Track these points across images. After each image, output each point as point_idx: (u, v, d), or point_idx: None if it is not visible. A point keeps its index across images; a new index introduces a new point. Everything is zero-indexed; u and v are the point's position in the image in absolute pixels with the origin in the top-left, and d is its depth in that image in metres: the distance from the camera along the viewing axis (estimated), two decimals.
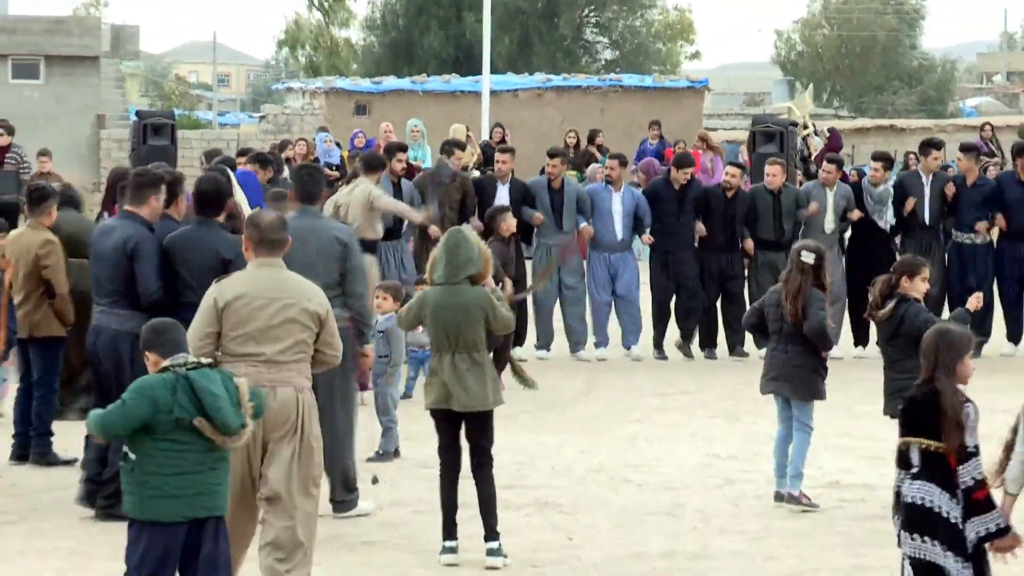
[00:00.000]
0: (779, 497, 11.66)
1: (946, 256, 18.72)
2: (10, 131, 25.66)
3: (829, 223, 18.36)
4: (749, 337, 18.38)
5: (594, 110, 37.22)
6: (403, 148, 19.19)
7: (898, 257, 18.23)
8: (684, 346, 18.55)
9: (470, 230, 10.51)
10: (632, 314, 18.38)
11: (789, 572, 9.90)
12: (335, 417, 10.98)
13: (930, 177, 18.66)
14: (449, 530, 9.95)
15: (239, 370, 8.45)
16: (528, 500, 11.58)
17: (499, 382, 10.21)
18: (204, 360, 7.67)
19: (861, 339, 18.74)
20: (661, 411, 15.42)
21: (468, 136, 27.48)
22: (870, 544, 10.59)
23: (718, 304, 18.59)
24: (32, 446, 12.73)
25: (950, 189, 18.48)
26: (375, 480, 11.41)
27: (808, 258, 11.51)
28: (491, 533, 9.89)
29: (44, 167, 24.49)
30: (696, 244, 18.36)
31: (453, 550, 9.91)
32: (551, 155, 18.54)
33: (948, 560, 7.40)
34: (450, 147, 18.43)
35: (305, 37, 67.89)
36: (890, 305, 11.15)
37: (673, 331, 18.68)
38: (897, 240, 18.76)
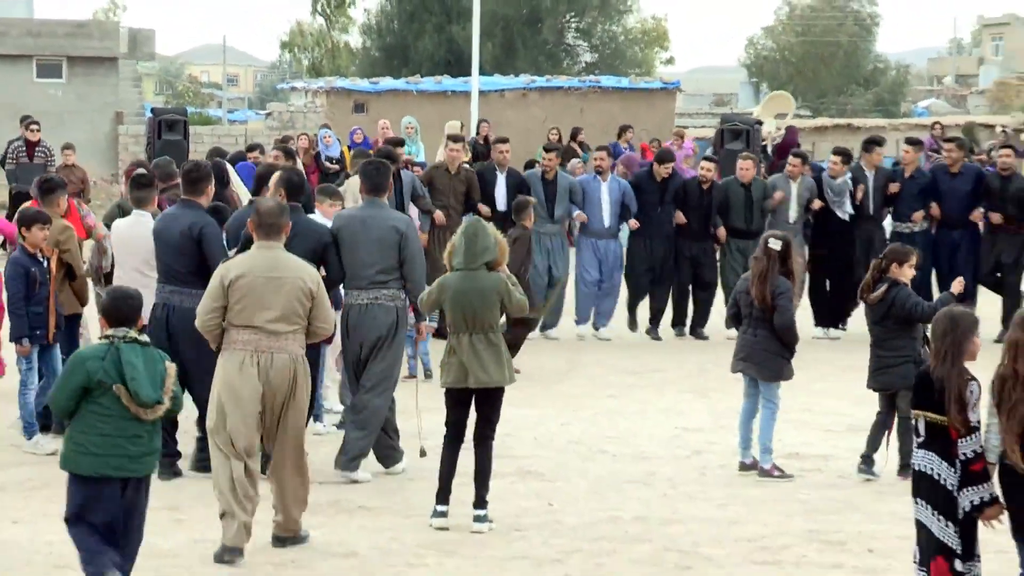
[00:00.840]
0: (743, 467, 11.70)
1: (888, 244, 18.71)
2: (39, 127, 25.53)
3: (793, 213, 18.39)
4: (711, 322, 18.56)
5: (574, 109, 37.15)
6: (400, 143, 19.35)
7: (858, 244, 18.37)
8: (652, 331, 18.62)
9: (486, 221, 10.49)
10: (610, 300, 18.41)
11: (752, 536, 9.91)
12: (376, 384, 11.19)
13: (873, 172, 18.70)
14: (443, 496, 9.94)
15: (242, 337, 9.08)
16: (512, 469, 11.58)
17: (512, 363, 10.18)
18: (141, 338, 8.07)
19: (821, 320, 18.81)
20: (635, 388, 15.44)
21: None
22: (827, 511, 10.63)
23: (690, 287, 18.64)
24: (55, 417, 12.70)
25: (894, 187, 18.49)
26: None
27: (775, 245, 11.54)
28: (480, 502, 9.88)
29: (68, 160, 24.38)
30: (676, 231, 18.38)
31: (444, 515, 9.90)
32: (547, 150, 18.65)
33: (940, 523, 7.53)
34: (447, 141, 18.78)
35: (308, 41, 67.92)
36: (882, 289, 11.28)
37: (644, 312, 18.77)
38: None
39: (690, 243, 18.39)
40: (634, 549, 9.57)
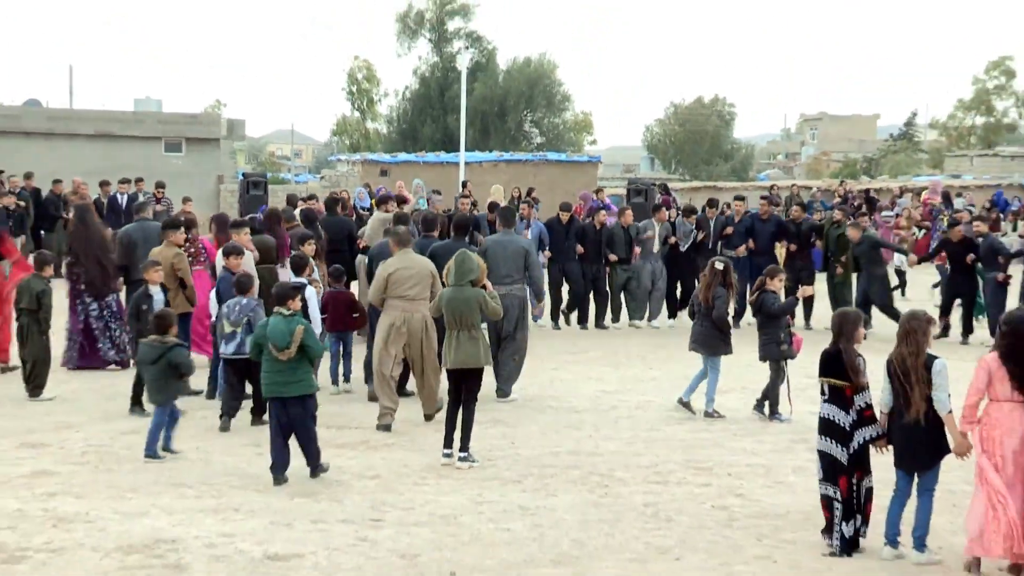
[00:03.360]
0: (680, 402, 11.93)
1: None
2: (164, 186, 26.17)
3: (657, 246, 18.71)
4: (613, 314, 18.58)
5: (529, 175, 36.98)
6: (404, 200, 19.24)
7: (699, 265, 18.46)
8: (565, 316, 18.63)
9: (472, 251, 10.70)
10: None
11: (648, 464, 9.88)
12: (516, 339, 12.38)
13: (713, 219, 19.22)
14: (448, 441, 9.82)
15: (394, 303, 10.88)
16: (487, 418, 11.46)
17: (491, 348, 10.36)
18: (286, 312, 9.11)
19: (672, 314, 19.02)
20: (570, 363, 15.38)
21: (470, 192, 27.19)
22: (699, 447, 10.60)
23: (591, 296, 18.64)
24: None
25: (729, 229, 18.98)
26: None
27: (719, 265, 11.82)
28: (465, 446, 9.76)
29: (187, 208, 24.27)
30: (577, 258, 18.41)
31: (449, 455, 9.77)
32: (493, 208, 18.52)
33: (838, 451, 7.60)
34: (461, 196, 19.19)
35: (349, 128, 67.76)
36: (757, 294, 11.68)
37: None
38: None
39: (590, 266, 18.45)
40: (569, 473, 9.53)
